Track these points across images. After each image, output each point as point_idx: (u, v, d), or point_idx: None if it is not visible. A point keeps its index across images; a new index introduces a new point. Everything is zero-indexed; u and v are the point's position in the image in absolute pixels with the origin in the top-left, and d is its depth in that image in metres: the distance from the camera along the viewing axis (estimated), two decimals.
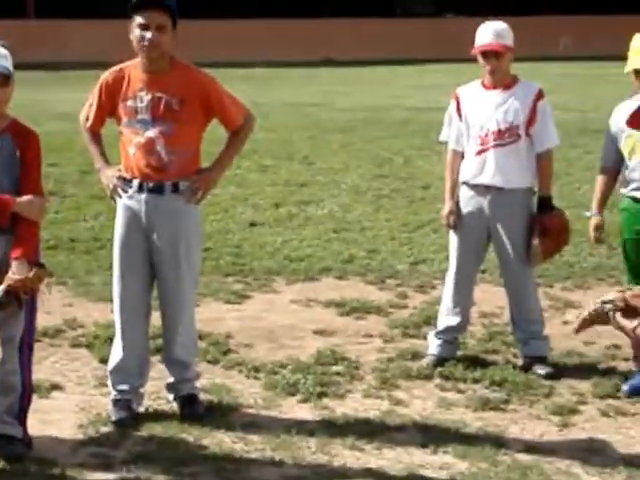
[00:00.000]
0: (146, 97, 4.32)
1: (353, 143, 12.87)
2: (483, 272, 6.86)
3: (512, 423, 4.57)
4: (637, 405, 4.79)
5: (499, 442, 4.34)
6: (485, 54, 5.06)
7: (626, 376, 5.07)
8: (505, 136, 5.06)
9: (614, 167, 4.96)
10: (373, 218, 8.65)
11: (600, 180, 5.05)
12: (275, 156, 11.73)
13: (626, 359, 5.39)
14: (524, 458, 4.20)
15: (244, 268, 7.05)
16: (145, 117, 4.33)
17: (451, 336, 5.29)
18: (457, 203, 5.22)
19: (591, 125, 13.31)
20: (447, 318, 5.29)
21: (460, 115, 5.18)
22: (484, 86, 5.16)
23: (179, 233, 4.41)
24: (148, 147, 4.33)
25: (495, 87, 5.11)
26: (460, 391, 4.93)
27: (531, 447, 4.31)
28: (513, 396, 4.86)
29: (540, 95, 5.11)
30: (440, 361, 5.21)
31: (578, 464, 4.16)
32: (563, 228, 5.20)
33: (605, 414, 4.69)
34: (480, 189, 5.14)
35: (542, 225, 5.10)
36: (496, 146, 5.07)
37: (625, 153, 4.84)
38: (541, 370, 5.10)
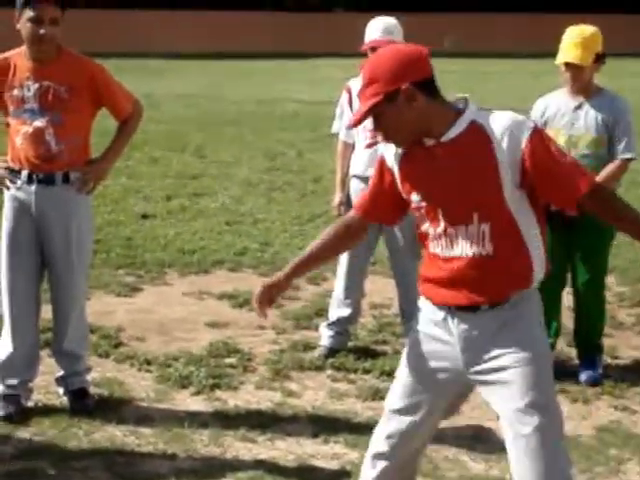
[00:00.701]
0: (33, 86, 4.23)
1: (244, 136, 12.87)
2: (373, 264, 6.99)
3: None
4: None
5: None
6: (374, 50, 5.14)
7: None
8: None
9: None
10: (265, 211, 8.67)
11: None
12: (166, 148, 11.63)
13: None
14: None
15: (136, 261, 6.98)
16: (33, 106, 4.24)
17: (342, 327, 5.37)
18: (347, 194, 5.30)
19: None
20: (338, 309, 5.36)
21: (351, 107, 5.23)
22: None
23: (70, 224, 4.34)
24: (37, 137, 4.24)
25: None
26: (351, 381, 5.01)
27: None
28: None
29: None
30: (332, 352, 5.28)
31: (465, 452, 4.28)
32: None
33: None
34: (368, 180, 5.21)
35: None
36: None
37: None
38: None
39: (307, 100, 16.51)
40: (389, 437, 3.15)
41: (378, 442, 3.18)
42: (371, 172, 5.16)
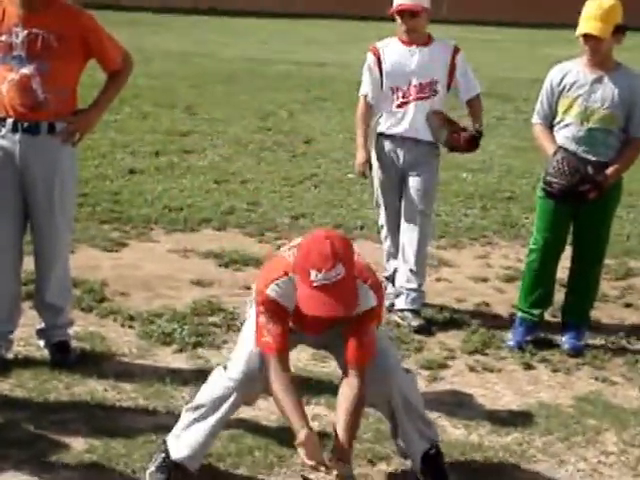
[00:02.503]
0: (22, 33, 4.15)
1: (236, 94, 12.75)
2: (361, 228, 6.97)
3: None
4: (502, 361, 4.97)
5: None
6: (401, 13, 5.14)
7: (494, 333, 5.24)
8: (426, 90, 5.24)
9: (547, 124, 5.02)
10: (255, 171, 8.61)
11: (545, 131, 5.00)
12: (157, 104, 11.51)
13: (494, 316, 5.57)
14: None
15: (122, 216, 6.92)
16: (21, 53, 4.16)
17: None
18: (369, 152, 5.40)
19: None
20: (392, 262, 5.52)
21: (380, 69, 5.28)
22: (402, 42, 5.28)
23: (54, 174, 4.28)
24: (23, 85, 4.17)
25: (414, 43, 5.25)
26: None
27: None
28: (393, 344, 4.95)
29: (457, 49, 5.33)
30: None
31: (445, 417, 4.29)
32: (470, 145, 5.32)
33: (472, 369, 4.84)
34: (397, 140, 5.29)
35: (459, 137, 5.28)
36: (417, 99, 5.24)
37: (560, 111, 4.94)
38: (414, 322, 5.23)
39: (301, 61, 16.37)
40: None
41: None
42: (397, 130, 5.25)
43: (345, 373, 3.45)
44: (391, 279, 5.55)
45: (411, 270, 5.34)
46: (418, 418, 3.60)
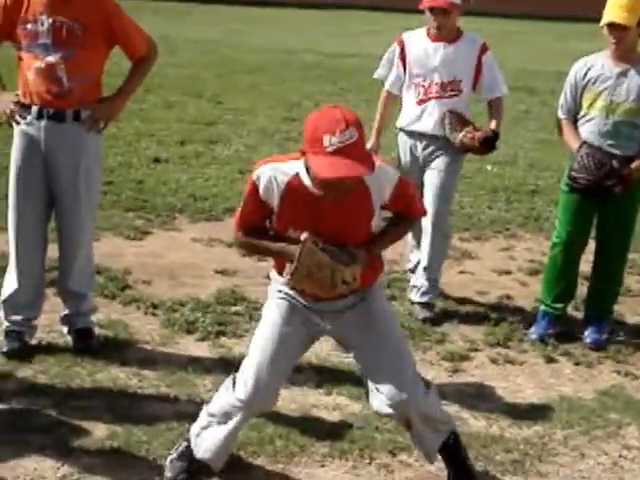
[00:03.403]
0: (47, 21, 4.17)
1: (262, 84, 12.76)
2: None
3: None
4: (524, 354, 4.95)
5: None
6: (432, 9, 5.09)
7: (517, 326, 5.23)
8: (448, 89, 5.16)
9: (571, 118, 4.99)
10: None
11: (569, 126, 4.98)
12: (183, 92, 11.54)
13: (517, 309, 5.55)
14: None
15: (146, 204, 6.95)
16: (46, 41, 4.17)
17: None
18: (379, 142, 5.37)
19: None
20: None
21: (404, 61, 5.23)
22: (430, 37, 5.20)
23: (79, 161, 4.30)
24: (49, 72, 4.19)
25: (440, 39, 5.17)
26: None
27: None
28: (407, 341, 4.95)
29: (484, 48, 5.20)
30: None
31: (466, 409, 4.28)
32: (485, 146, 5.20)
33: (494, 362, 4.83)
34: (416, 136, 5.24)
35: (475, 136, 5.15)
36: (438, 97, 5.16)
37: (584, 105, 4.90)
38: (422, 314, 5.23)
39: (328, 52, 16.34)
40: None
41: None
42: (419, 127, 5.21)
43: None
44: (414, 271, 5.54)
45: (424, 266, 5.33)
46: (436, 424, 3.52)
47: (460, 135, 5.13)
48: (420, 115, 5.22)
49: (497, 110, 5.27)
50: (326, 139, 3.02)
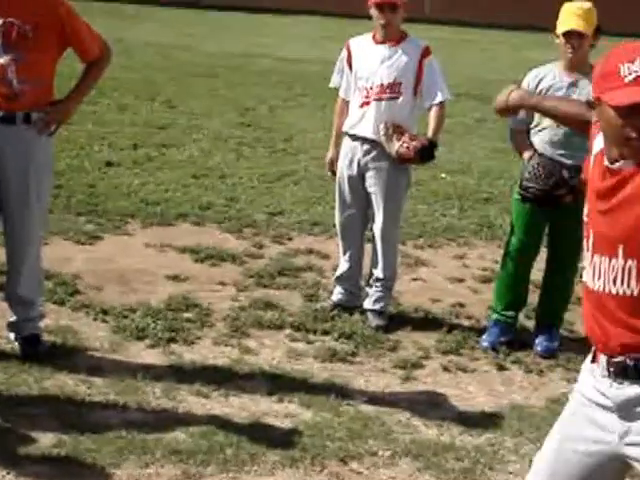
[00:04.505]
0: None
1: (217, 89, 12.70)
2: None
3: (358, 375, 4.66)
4: (476, 362, 4.97)
5: (344, 393, 4.41)
6: (381, 7, 5.08)
7: (469, 334, 5.25)
8: (387, 91, 5.13)
9: (524, 128, 5.01)
10: (233, 166, 8.57)
11: (521, 136, 5.02)
12: (136, 96, 11.44)
13: (469, 317, 5.58)
14: (367, 409, 4.29)
15: (97, 208, 6.86)
16: None
17: (346, 284, 5.41)
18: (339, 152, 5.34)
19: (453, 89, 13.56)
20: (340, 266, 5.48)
21: (350, 66, 5.25)
22: (374, 40, 5.22)
23: (29, 165, 4.24)
24: None
25: (384, 42, 5.16)
26: (309, 342, 4.99)
27: (374, 399, 4.41)
28: (360, 349, 4.96)
29: (426, 52, 5.19)
30: (336, 307, 5.36)
31: (417, 417, 4.29)
32: (422, 156, 5.12)
33: (446, 369, 4.84)
34: (358, 139, 5.22)
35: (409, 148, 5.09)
36: (377, 100, 5.14)
37: (536, 115, 4.90)
38: (375, 321, 5.23)
39: (283, 57, 16.33)
40: None
41: None
42: (360, 131, 5.18)
43: None
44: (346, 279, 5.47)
45: (377, 277, 5.32)
46: None
47: (396, 146, 5.04)
48: (361, 118, 5.18)
49: (436, 117, 5.16)
50: (622, 69, 2.47)
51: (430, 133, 5.15)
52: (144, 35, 17.79)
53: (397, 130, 5.09)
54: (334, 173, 5.41)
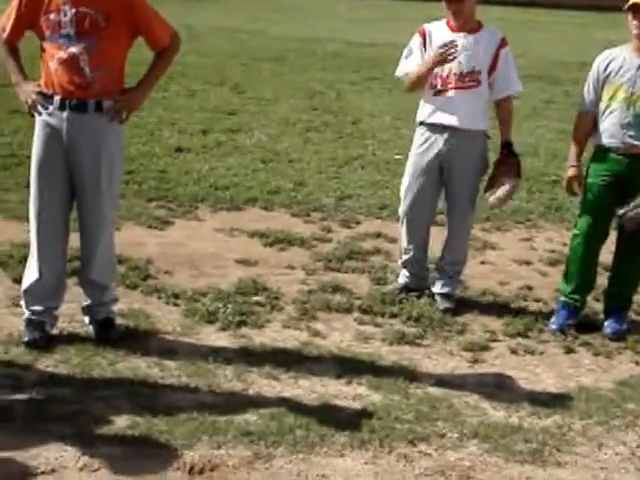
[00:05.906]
0: (70, 11, 4.18)
1: (285, 73, 12.76)
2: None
3: (425, 357, 4.67)
4: (544, 344, 4.94)
5: (412, 375, 4.43)
6: None
7: (537, 317, 5.22)
8: (466, 80, 5.09)
9: (593, 111, 4.97)
10: (301, 150, 8.62)
11: (582, 124, 5.02)
12: (205, 81, 11.56)
13: (537, 300, 5.54)
14: (435, 392, 4.30)
15: (168, 194, 6.97)
16: (69, 32, 4.19)
17: (412, 268, 5.42)
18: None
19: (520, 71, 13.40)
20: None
21: (425, 51, 5.17)
22: (450, 27, 5.16)
23: (101, 152, 4.32)
24: (71, 63, 4.20)
25: (460, 30, 5.12)
26: (378, 325, 5.01)
27: (442, 381, 4.41)
28: (428, 332, 4.97)
29: (503, 43, 5.14)
30: (404, 290, 5.38)
31: (485, 399, 4.28)
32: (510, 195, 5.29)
33: (514, 352, 4.82)
34: (437, 128, 5.17)
35: (507, 167, 5.17)
36: (456, 88, 5.10)
37: (605, 98, 4.87)
38: (443, 304, 5.23)
39: (350, 40, 16.30)
40: None
41: None
42: (436, 119, 5.11)
43: None
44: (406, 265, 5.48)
45: (448, 261, 5.34)
46: None
47: (490, 199, 5.23)
48: (439, 107, 5.15)
49: (507, 113, 5.18)
50: None
51: (504, 136, 5.18)
52: (211, 19, 17.91)
53: (495, 182, 5.22)
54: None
